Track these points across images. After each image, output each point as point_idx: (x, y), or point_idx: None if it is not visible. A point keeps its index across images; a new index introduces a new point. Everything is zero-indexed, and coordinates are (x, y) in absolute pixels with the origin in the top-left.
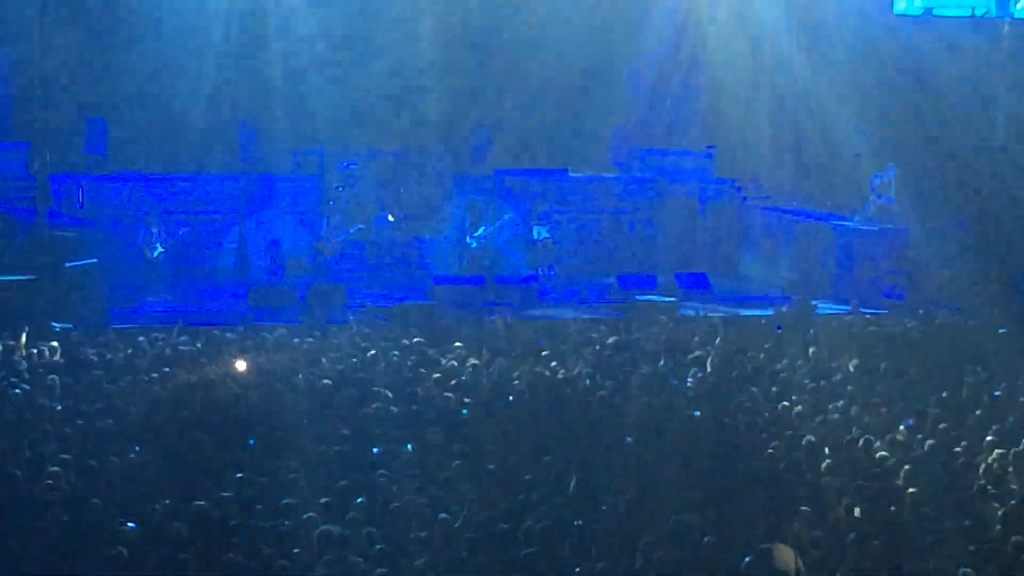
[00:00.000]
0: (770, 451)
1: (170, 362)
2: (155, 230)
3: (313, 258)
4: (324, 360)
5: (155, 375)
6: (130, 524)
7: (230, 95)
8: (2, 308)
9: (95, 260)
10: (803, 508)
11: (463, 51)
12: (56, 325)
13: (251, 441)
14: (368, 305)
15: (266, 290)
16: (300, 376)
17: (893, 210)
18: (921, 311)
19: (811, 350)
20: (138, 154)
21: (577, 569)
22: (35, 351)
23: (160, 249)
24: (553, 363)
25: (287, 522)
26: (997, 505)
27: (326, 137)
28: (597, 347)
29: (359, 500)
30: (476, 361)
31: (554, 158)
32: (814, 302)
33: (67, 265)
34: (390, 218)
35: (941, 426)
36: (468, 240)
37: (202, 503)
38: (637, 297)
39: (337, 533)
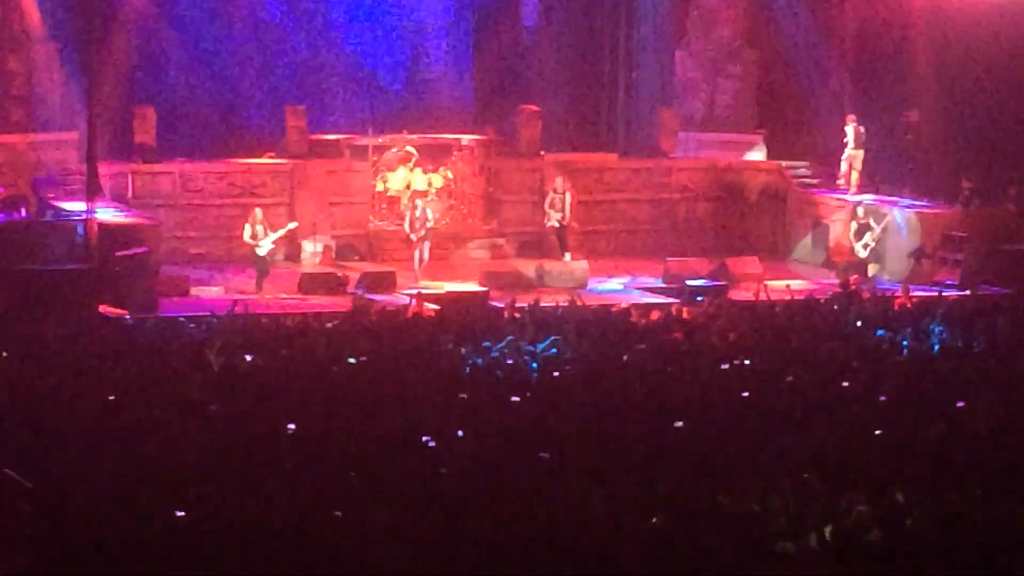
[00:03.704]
0: (822, 434)
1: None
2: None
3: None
4: None
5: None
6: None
7: (279, 81)
8: (54, 297)
9: (145, 249)
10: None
11: (508, 33)
12: (106, 313)
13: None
14: (418, 291)
15: (317, 277)
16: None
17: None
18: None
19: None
20: (187, 142)
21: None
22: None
23: (270, 245)
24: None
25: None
26: None
27: (375, 123)
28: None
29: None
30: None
31: (604, 143)
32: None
33: (117, 254)
34: (437, 204)
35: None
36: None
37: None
38: (687, 282)
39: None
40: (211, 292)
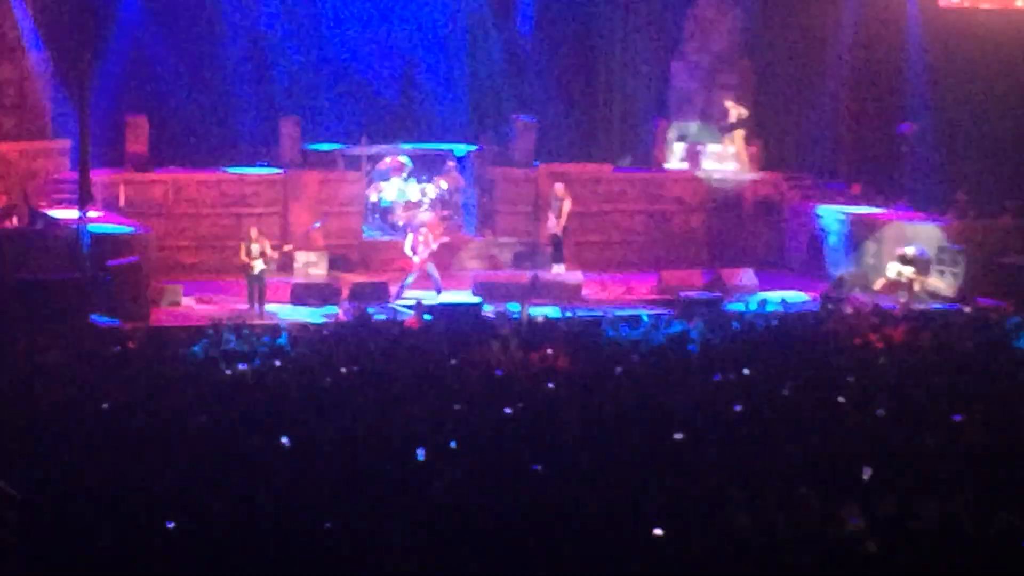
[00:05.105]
0: (815, 443)
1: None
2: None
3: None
4: None
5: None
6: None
7: (272, 90)
8: (46, 306)
9: (137, 258)
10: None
11: (503, 42)
12: (97, 321)
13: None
14: (416, 302)
15: (309, 287)
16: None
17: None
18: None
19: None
20: (180, 151)
21: None
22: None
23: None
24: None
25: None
26: None
27: (369, 133)
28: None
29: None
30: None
31: (599, 153)
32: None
33: (109, 264)
34: (427, 215)
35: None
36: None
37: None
38: (681, 293)
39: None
40: (203, 302)
